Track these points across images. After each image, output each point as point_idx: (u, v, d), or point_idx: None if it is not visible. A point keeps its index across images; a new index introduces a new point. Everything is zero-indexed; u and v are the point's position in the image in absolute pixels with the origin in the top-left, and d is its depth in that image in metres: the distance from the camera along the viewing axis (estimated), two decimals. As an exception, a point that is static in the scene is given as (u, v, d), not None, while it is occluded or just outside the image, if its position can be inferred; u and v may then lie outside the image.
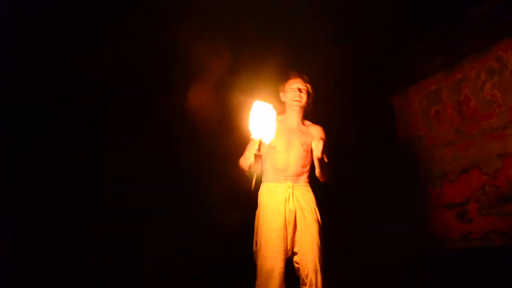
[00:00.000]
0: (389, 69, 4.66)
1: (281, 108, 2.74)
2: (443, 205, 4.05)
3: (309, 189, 2.65)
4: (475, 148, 3.80)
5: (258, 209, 2.60)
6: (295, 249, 2.49)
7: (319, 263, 2.42)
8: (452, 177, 3.98)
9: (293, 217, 2.50)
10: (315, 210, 2.57)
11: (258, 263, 2.45)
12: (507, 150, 3.52)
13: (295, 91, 2.67)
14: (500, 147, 3.58)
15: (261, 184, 2.64)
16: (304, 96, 2.69)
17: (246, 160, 2.55)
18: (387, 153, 4.40)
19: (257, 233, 2.54)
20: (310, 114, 2.81)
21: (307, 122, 2.79)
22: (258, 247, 2.49)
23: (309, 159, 2.66)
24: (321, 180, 2.64)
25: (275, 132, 2.34)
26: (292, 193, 2.54)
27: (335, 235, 2.73)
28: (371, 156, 4.23)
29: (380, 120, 4.55)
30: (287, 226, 2.48)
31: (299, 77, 2.73)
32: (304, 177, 2.65)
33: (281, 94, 2.77)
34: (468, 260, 3.67)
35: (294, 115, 2.72)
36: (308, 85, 2.73)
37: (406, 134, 4.57)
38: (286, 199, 2.52)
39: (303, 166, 2.64)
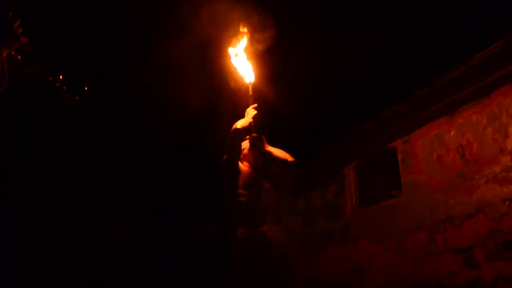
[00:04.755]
0: (392, 114, 4.75)
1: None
2: (448, 250, 3.99)
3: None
4: (479, 192, 3.80)
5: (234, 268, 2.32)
6: None
7: None
8: (456, 222, 3.95)
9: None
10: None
11: None
12: (512, 195, 3.53)
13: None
14: (505, 192, 3.58)
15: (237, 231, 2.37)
16: None
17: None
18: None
19: None
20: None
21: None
22: None
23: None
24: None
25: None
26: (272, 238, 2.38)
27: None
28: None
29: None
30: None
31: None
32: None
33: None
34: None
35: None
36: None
37: (409, 178, 4.58)
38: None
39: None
